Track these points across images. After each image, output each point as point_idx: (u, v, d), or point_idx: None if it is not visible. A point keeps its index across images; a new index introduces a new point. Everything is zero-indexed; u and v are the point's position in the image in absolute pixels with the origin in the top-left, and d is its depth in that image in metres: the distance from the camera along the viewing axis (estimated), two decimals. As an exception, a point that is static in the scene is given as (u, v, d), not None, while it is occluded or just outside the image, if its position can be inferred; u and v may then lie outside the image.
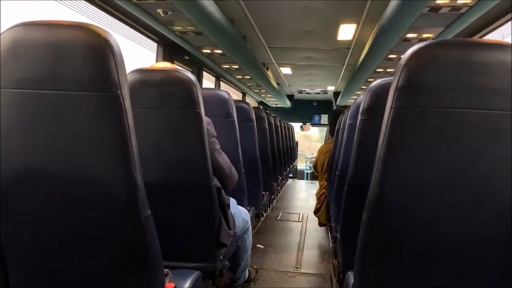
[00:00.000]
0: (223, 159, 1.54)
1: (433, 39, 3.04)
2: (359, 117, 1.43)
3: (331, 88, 7.58)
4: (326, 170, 3.28)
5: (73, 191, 0.90)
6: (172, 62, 3.68)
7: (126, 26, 2.95)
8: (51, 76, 0.84)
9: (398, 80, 0.86)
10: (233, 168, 1.63)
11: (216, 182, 1.49)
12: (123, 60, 0.87)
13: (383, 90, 1.33)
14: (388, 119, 0.87)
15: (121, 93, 0.85)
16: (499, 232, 0.87)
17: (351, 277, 1.24)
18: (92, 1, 2.46)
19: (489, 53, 0.82)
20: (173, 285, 1.19)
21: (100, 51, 0.83)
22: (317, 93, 8.46)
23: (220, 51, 3.83)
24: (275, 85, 6.22)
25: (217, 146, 1.51)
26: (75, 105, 0.85)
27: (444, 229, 0.89)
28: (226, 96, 2.06)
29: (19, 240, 0.97)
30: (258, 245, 3.14)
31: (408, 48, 0.89)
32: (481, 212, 0.87)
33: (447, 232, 0.89)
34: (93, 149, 0.87)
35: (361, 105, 1.41)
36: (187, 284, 1.27)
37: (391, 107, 0.87)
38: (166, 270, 1.15)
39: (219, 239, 1.52)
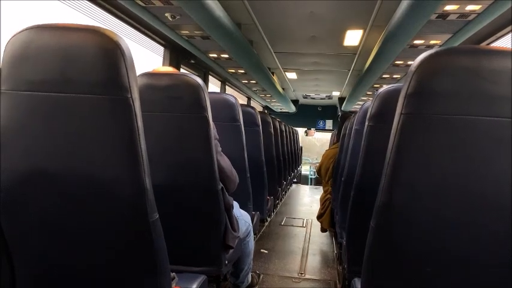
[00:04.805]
0: (225, 161, 1.55)
1: (440, 46, 3.04)
2: (366, 123, 1.43)
3: (336, 93, 7.56)
4: (330, 175, 3.27)
5: (81, 193, 0.91)
6: (179, 66, 3.70)
7: (134, 29, 2.97)
8: (61, 79, 0.85)
9: (408, 86, 0.85)
10: (234, 170, 1.63)
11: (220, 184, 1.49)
12: (133, 64, 0.87)
13: (391, 96, 1.33)
14: (398, 125, 0.87)
15: (131, 96, 0.85)
16: (505, 239, 0.87)
17: (357, 283, 1.24)
18: (101, 5, 2.48)
19: (499, 60, 0.82)
20: (179, 289, 1.19)
21: (111, 54, 0.84)
22: (322, 99, 8.45)
23: (226, 56, 3.83)
24: (280, 90, 6.22)
25: (219, 149, 1.52)
26: (85, 108, 0.86)
27: (453, 236, 0.89)
28: (233, 100, 2.06)
29: (26, 240, 0.98)
30: (262, 250, 3.13)
31: (415, 54, 0.89)
32: (491, 219, 0.86)
33: (456, 239, 0.89)
34: (102, 152, 0.87)
35: (369, 111, 1.41)
36: None
37: (401, 114, 0.87)
38: (172, 274, 1.15)
39: (226, 242, 1.52)
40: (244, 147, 2.18)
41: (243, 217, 1.92)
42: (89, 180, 0.89)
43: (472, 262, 0.90)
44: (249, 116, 2.64)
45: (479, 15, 2.31)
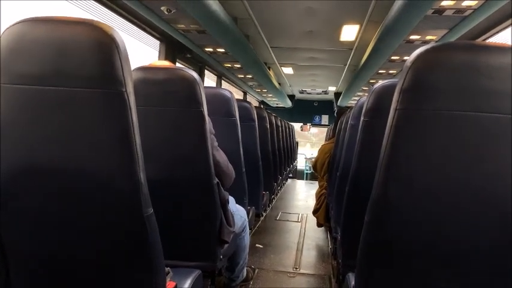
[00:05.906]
0: (221, 156, 1.55)
1: (436, 41, 3.04)
2: (362, 118, 1.43)
3: (332, 89, 7.57)
4: (326, 170, 3.27)
5: (75, 187, 0.90)
6: (175, 60, 3.68)
7: (129, 23, 2.95)
8: (55, 72, 0.84)
9: (403, 81, 0.85)
10: (230, 165, 1.63)
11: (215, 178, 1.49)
12: (128, 57, 0.86)
13: (386, 91, 1.33)
14: (393, 120, 0.87)
15: (125, 90, 0.84)
16: (501, 235, 0.87)
17: (351, 278, 1.24)
18: (96, -2, 2.46)
19: (495, 56, 0.82)
20: (174, 284, 1.18)
21: (105, 47, 0.83)
22: (318, 94, 8.46)
23: (222, 50, 3.82)
24: (276, 85, 6.21)
25: (215, 143, 1.52)
26: (80, 102, 0.85)
27: (447, 231, 0.89)
28: (229, 95, 2.06)
29: (21, 235, 0.97)
30: (257, 245, 3.14)
31: (411, 50, 0.89)
32: (485, 214, 0.86)
33: (450, 234, 0.89)
34: (96, 146, 0.87)
35: (364, 106, 1.41)
36: (188, 282, 1.27)
37: (396, 109, 0.86)
38: (167, 269, 1.15)
39: (221, 236, 1.52)
40: (240, 142, 2.18)
41: (238, 212, 1.92)
42: (83, 174, 0.88)
43: (467, 258, 0.91)
44: (245, 111, 2.63)
45: (476, 10, 2.31)
